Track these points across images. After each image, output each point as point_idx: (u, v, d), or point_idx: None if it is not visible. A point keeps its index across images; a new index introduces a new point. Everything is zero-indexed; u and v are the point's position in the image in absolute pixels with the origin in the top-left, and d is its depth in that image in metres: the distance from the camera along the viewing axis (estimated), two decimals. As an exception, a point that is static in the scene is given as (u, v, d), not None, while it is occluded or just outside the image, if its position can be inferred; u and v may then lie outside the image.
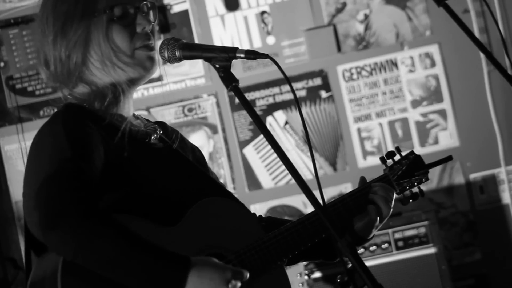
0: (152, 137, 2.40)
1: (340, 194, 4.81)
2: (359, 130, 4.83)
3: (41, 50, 2.36)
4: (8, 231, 4.78)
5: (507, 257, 4.75)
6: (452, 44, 4.76)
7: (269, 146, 4.04)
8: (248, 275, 2.20)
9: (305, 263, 4.25)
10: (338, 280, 2.05)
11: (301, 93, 4.84)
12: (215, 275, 2.13)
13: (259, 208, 4.78)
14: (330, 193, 4.78)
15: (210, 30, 4.85)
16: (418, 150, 4.75)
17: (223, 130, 4.87)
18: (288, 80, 2.14)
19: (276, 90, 4.86)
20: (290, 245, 2.35)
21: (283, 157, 2.06)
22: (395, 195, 2.50)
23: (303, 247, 2.38)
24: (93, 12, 2.31)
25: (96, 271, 2.10)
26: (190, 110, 4.88)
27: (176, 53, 2.26)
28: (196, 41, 4.82)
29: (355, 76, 4.82)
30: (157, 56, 2.36)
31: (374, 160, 4.79)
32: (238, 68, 4.79)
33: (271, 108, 4.86)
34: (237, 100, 4.75)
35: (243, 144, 4.87)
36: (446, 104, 4.80)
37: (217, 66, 2.19)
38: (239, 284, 2.18)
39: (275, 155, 4.42)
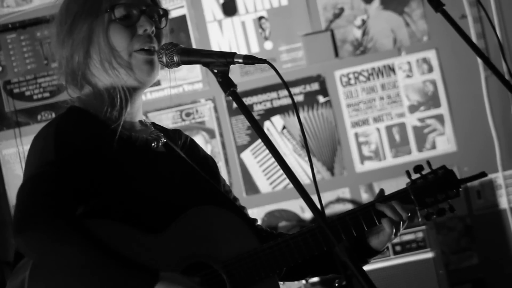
0: (153, 145, 2.36)
1: (338, 199, 4.84)
2: (356, 135, 4.83)
3: (54, 49, 2.36)
4: (6, 235, 4.77)
5: (505, 262, 4.75)
6: (449, 50, 4.77)
7: (267, 151, 4.06)
8: None
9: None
10: (336, 285, 2.05)
11: (299, 98, 4.84)
12: None
13: (256, 213, 4.78)
14: (328, 197, 4.78)
15: (208, 35, 4.86)
16: (416, 155, 4.76)
17: (221, 134, 4.87)
18: (286, 85, 2.13)
19: (273, 95, 4.86)
20: (285, 257, 2.31)
21: (281, 161, 2.04)
22: (417, 211, 2.42)
23: (300, 259, 2.32)
24: (96, 12, 2.29)
25: (60, 276, 2.08)
26: (187, 114, 4.89)
27: (174, 58, 2.24)
28: (194, 46, 4.83)
29: (352, 81, 4.83)
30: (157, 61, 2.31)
31: (372, 165, 4.79)
32: (235, 73, 4.80)
33: (269, 113, 4.87)
34: (234, 105, 4.77)
35: (240, 148, 4.87)
36: (443, 109, 4.80)
37: (215, 71, 2.16)
38: None
39: (272, 159, 4.42)
